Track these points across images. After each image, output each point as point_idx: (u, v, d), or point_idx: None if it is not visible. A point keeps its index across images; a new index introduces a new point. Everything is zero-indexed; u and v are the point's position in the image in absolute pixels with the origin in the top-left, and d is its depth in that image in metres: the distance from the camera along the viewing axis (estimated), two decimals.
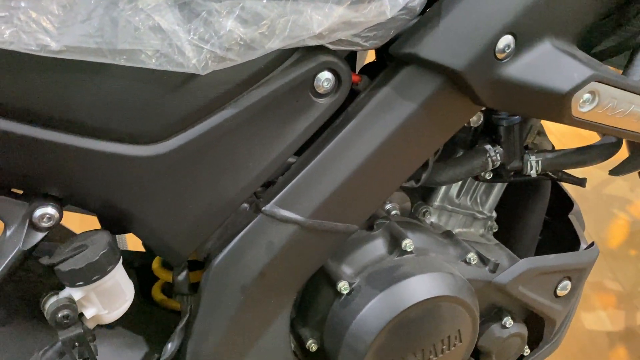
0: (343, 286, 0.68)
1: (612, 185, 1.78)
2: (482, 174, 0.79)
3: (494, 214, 0.91)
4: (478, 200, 0.89)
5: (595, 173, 1.92)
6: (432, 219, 0.85)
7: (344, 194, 0.62)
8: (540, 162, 0.76)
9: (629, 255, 1.62)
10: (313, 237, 0.63)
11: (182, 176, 0.57)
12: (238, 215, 0.62)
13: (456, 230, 0.88)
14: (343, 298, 0.69)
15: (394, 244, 0.72)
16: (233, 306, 0.63)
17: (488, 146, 0.75)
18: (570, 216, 0.97)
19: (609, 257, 1.60)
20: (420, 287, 0.68)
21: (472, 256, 0.76)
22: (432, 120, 0.62)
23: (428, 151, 0.67)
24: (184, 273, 0.68)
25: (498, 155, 0.75)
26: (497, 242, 0.89)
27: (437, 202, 0.84)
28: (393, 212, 0.81)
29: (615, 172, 0.83)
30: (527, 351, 0.85)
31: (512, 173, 0.80)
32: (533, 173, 0.76)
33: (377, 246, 0.73)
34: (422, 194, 0.85)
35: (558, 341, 0.88)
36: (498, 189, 0.88)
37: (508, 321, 0.80)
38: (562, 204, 0.99)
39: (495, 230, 0.92)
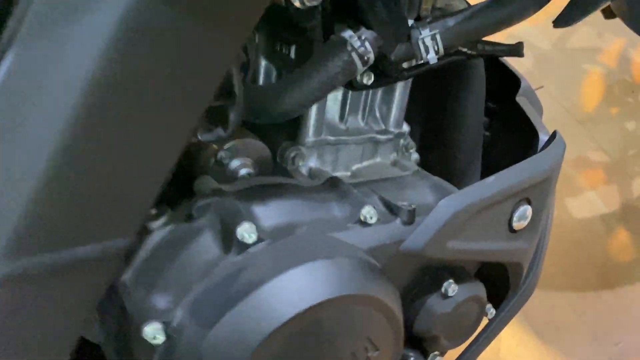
0: (152, 333, 0.40)
1: (575, 37, 1.48)
2: (357, 78, 0.50)
3: (406, 128, 0.62)
4: (377, 115, 0.60)
5: (551, 27, 1.60)
6: (310, 163, 0.56)
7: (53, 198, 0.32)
8: (438, 36, 0.46)
9: (610, 115, 1.35)
10: (31, 290, 0.34)
11: None
12: None
13: (354, 167, 0.59)
14: (160, 351, 0.41)
15: (228, 235, 0.43)
16: None
17: (347, 33, 0.45)
18: (519, 98, 0.69)
19: (589, 124, 1.33)
20: (277, 302, 0.40)
21: (368, 211, 0.48)
22: None
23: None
24: None
25: (367, 43, 0.45)
26: (418, 168, 0.60)
27: (310, 137, 0.55)
28: (243, 173, 0.52)
29: (562, 21, 0.54)
30: (491, 312, 0.59)
31: (404, 65, 0.50)
32: (432, 56, 0.46)
33: (202, 247, 0.44)
34: (287, 131, 0.56)
35: (531, 285, 0.62)
36: (401, 91, 0.59)
37: (450, 287, 0.53)
38: (507, 84, 0.70)
39: (413, 149, 0.64)
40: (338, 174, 0.58)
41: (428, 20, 0.46)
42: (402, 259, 0.49)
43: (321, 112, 0.55)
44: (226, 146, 0.51)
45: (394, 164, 0.61)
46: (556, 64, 1.43)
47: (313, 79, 0.44)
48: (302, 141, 0.55)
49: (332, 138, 0.56)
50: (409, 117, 0.77)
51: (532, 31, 1.51)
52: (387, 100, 0.59)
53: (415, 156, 0.67)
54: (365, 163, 0.60)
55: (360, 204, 0.49)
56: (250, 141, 0.52)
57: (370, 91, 0.58)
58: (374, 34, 0.45)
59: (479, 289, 0.56)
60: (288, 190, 0.49)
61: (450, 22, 0.46)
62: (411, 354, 0.55)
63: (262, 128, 0.57)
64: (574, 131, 1.31)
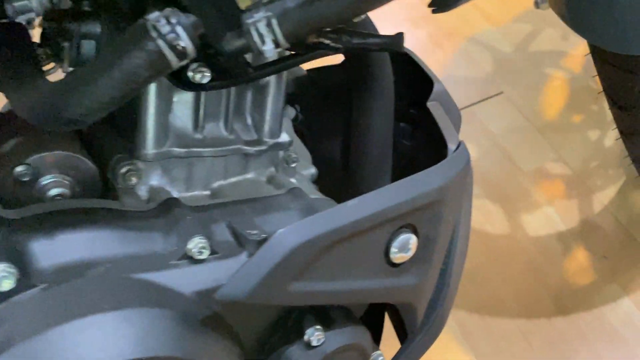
0: None
1: (539, 39, 1.39)
2: (190, 76, 0.40)
3: (285, 137, 0.52)
4: (248, 122, 0.50)
5: (515, 27, 1.52)
6: (151, 181, 0.46)
7: None
8: (274, 22, 0.36)
9: (573, 123, 1.25)
10: None
11: None
12: None
13: (216, 185, 0.49)
14: None
15: None
16: None
17: (154, 15, 0.35)
18: (430, 104, 0.59)
19: (549, 132, 1.23)
20: None
21: (196, 244, 0.38)
22: None
23: None
24: None
25: (179, 29, 0.34)
26: (296, 186, 0.50)
27: (149, 149, 0.45)
28: (53, 194, 0.42)
29: (439, 3, 0.44)
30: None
31: (239, 60, 0.40)
32: (269, 48, 0.36)
33: None
34: (126, 141, 0.46)
35: (435, 326, 0.51)
36: (274, 94, 0.49)
37: (315, 334, 0.43)
38: (422, 87, 0.61)
39: (296, 163, 0.53)
40: (193, 194, 0.48)
41: (263, 1, 0.36)
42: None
43: (162, 117, 0.44)
44: (28, 160, 0.41)
45: (270, 180, 0.51)
46: (518, 68, 1.34)
47: (108, 74, 0.34)
48: (139, 154, 0.45)
49: (181, 150, 0.46)
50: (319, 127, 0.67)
51: (493, 33, 1.41)
52: (259, 105, 0.49)
53: (310, 171, 0.57)
54: (231, 180, 0.50)
55: (189, 235, 0.39)
56: (64, 154, 0.42)
57: (234, 94, 0.48)
58: (191, 18, 0.35)
59: (359, 335, 0.46)
60: (97, 217, 0.39)
61: (290, 3, 0.36)
62: None
63: (97, 138, 0.47)
64: (534, 140, 1.21)
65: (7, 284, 0.32)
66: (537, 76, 1.32)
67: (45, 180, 0.41)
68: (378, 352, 0.49)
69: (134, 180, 0.44)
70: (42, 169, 0.41)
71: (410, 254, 0.43)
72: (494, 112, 1.27)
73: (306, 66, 0.71)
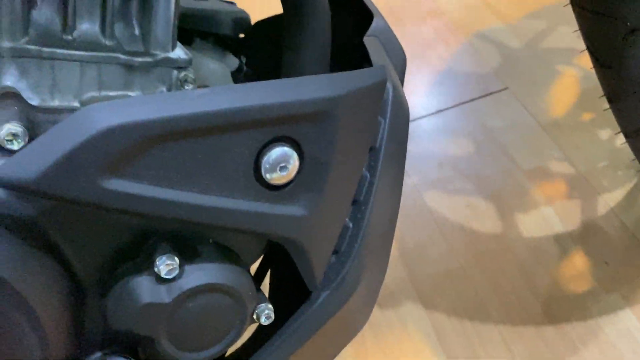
0: None
1: (552, 37, 1.29)
2: None
3: (181, 54, 0.45)
4: (136, 31, 0.44)
5: (526, 24, 1.42)
6: (5, 81, 0.40)
7: None
8: None
9: (582, 122, 1.15)
10: None
11: None
12: None
13: (87, 96, 0.43)
14: None
15: None
16: None
17: None
18: (366, 39, 0.52)
19: (555, 131, 1.13)
20: None
21: (7, 130, 0.32)
22: None
23: None
24: None
25: None
26: None
27: (3, 42, 0.39)
28: None
29: None
30: (267, 315, 0.41)
31: None
32: None
33: None
34: None
35: (345, 286, 0.43)
36: None
37: (166, 262, 0.35)
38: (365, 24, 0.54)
39: (193, 86, 0.47)
40: (59, 104, 0.41)
41: None
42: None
43: (21, 6, 0.39)
44: None
45: None
46: (526, 64, 1.24)
47: None
48: None
49: (43, 49, 0.40)
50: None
51: (502, 29, 1.33)
52: (147, 9, 0.43)
53: None
54: (108, 93, 0.43)
55: (4, 121, 0.32)
56: None
57: None
58: None
59: (232, 278, 0.38)
60: None
61: None
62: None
63: None
64: (537, 138, 1.11)
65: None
66: (547, 73, 1.23)
67: None
68: (265, 304, 0.40)
69: None
70: None
71: (289, 174, 0.36)
72: (496, 108, 1.18)
73: (255, 18, 0.66)
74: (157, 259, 0.35)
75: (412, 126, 1.15)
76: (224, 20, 0.61)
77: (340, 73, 0.38)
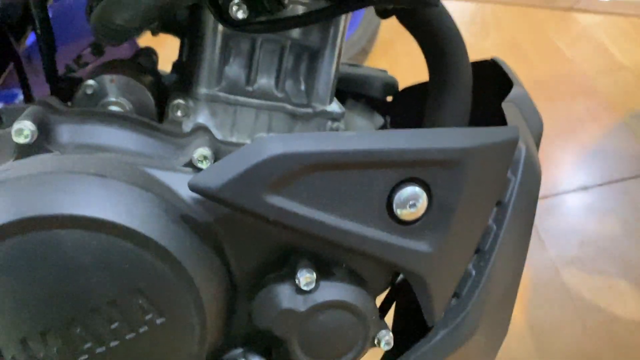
0: None
1: None
2: (230, 10, 0.43)
3: (336, 108, 0.53)
4: (302, 87, 0.52)
5: None
6: (199, 119, 0.50)
7: None
8: None
9: None
10: None
11: None
12: None
13: (258, 136, 0.52)
14: None
15: None
16: None
17: None
18: (505, 105, 0.56)
19: None
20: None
21: (200, 153, 0.41)
22: None
23: None
24: None
25: None
26: None
27: (201, 89, 0.49)
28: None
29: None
30: (387, 341, 0.45)
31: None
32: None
33: None
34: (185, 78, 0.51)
35: (467, 327, 0.46)
36: (327, 60, 0.51)
37: (306, 275, 0.41)
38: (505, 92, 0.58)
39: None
40: (237, 141, 0.51)
41: None
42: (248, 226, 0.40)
43: (218, 64, 0.49)
44: (95, 77, 0.48)
45: None
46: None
47: None
48: (191, 92, 0.49)
49: (229, 97, 0.50)
50: None
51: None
52: (313, 70, 0.52)
53: None
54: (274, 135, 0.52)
55: (198, 146, 0.42)
56: (125, 79, 0.48)
57: (290, 56, 0.51)
58: None
59: (358, 298, 0.43)
60: (128, 123, 0.43)
61: None
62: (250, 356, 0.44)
63: (168, 82, 0.54)
64: None
65: (23, 138, 0.37)
66: None
67: (107, 99, 0.48)
68: (386, 331, 0.44)
69: (180, 113, 0.49)
70: (106, 89, 0.48)
71: (417, 212, 0.41)
72: None
73: (403, 84, 0.73)
74: (299, 272, 0.41)
75: (555, 201, 1.13)
76: (375, 84, 0.69)
77: (474, 128, 0.42)
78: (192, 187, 0.36)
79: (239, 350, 0.45)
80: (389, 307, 0.54)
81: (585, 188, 1.15)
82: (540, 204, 1.13)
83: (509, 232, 0.48)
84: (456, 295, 0.47)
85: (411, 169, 0.40)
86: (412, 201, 0.40)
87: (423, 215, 0.41)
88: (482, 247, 0.47)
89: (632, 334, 0.91)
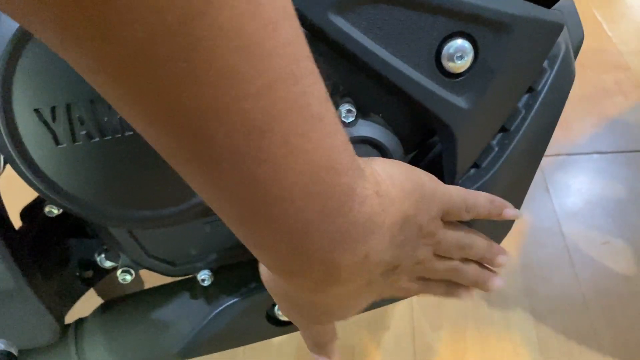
0: None
1: None
2: None
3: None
4: None
5: None
6: None
7: None
8: None
9: None
10: None
11: None
12: None
13: None
14: None
15: None
16: None
17: None
18: (552, 11, 0.58)
19: None
20: None
21: None
22: None
23: None
24: None
25: None
26: None
27: None
28: None
29: None
30: None
31: None
32: None
33: None
34: None
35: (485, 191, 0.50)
36: None
37: (346, 107, 0.44)
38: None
39: None
40: None
41: None
42: None
43: None
44: None
45: None
46: None
47: None
48: None
49: None
50: None
51: None
52: None
53: None
54: None
55: None
56: None
57: None
58: None
59: (395, 147, 0.47)
60: None
61: None
62: None
63: None
64: None
65: None
66: None
67: None
68: None
69: None
70: None
71: (461, 67, 0.44)
72: None
73: None
74: (341, 105, 0.45)
75: (568, 159, 1.17)
76: None
77: (528, 2, 0.45)
78: None
79: None
80: None
81: (600, 152, 1.18)
82: (554, 160, 1.16)
83: (536, 118, 0.51)
84: (476, 165, 0.51)
85: (464, 23, 0.43)
86: (459, 54, 0.43)
87: (465, 71, 0.44)
88: (508, 126, 0.51)
89: (618, 286, 0.95)
